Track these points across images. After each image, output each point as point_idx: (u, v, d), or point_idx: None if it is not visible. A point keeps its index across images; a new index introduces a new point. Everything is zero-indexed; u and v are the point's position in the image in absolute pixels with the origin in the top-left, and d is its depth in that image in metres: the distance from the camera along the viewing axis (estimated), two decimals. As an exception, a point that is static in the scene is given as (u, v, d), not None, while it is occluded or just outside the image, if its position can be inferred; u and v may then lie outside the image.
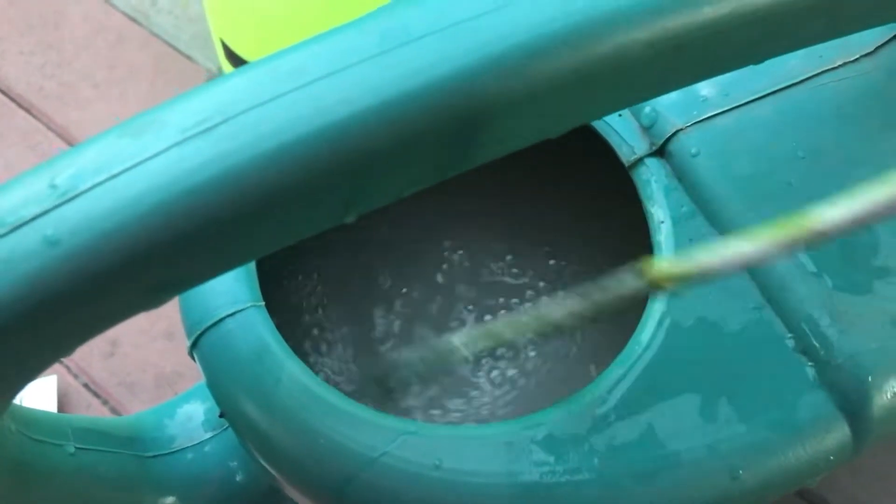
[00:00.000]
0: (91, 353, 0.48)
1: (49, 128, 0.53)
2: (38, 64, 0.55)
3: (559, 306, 0.20)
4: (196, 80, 0.55)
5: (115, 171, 0.15)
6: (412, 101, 0.14)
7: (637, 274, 0.18)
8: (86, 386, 0.47)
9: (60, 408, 0.47)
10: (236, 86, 0.15)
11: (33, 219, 0.15)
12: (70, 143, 0.53)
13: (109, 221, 0.15)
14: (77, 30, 0.57)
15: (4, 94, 0.55)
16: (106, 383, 0.47)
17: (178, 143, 0.15)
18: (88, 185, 0.15)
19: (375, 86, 0.15)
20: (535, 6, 0.15)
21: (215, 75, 0.55)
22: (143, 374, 0.48)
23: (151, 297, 0.16)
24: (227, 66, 0.46)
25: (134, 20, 0.57)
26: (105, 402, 0.47)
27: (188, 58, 0.56)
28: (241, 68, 0.16)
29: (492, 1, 0.15)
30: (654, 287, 0.18)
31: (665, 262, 0.18)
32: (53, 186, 0.15)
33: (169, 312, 0.48)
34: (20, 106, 0.54)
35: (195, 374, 0.49)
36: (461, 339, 0.21)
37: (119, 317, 0.16)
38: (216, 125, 0.15)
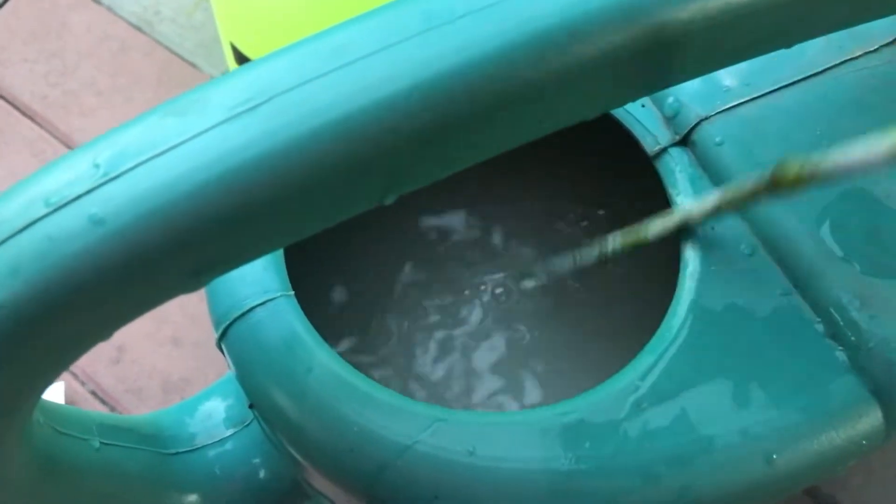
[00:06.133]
0: (98, 360, 0.48)
1: (53, 136, 0.53)
2: (41, 72, 0.55)
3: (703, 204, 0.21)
4: (200, 87, 0.55)
5: (159, 150, 0.15)
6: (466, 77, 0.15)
7: (770, 174, 0.19)
8: (93, 393, 0.47)
9: (68, 415, 0.46)
10: (281, 64, 0.15)
11: (77, 198, 0.15)
12: (74, 150, 0.53)
13: (154, 201, 0.15)
14: (81, 38, 0.57)
15: (9, 102, 0.54)
16: (113, 390, 0.47)
17: (222, 122, 0.15)
18: (132, 164, 0.15)
19: (420, 64, 0.15)
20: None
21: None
22: (149, 380, 0.47)
23: (193, 279, 0.16)
24: (234, 71, 0.46)
25: (138, 28, 0.57)
26: (112, 409, 0.47)
27: (192, 65, 0.56)
28: (285, 47, 0.16)
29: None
30: (782, 188, 0.19)
31: (795, 163, 0.18)
32: (97, 166, 0.15)
33: (175, 318, 0.48)
34: (24, 114, 0.54)
35: (203, 380, 0.49)
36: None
37: (159, 299, 0.16)
38: (261, 103, 0.15)
